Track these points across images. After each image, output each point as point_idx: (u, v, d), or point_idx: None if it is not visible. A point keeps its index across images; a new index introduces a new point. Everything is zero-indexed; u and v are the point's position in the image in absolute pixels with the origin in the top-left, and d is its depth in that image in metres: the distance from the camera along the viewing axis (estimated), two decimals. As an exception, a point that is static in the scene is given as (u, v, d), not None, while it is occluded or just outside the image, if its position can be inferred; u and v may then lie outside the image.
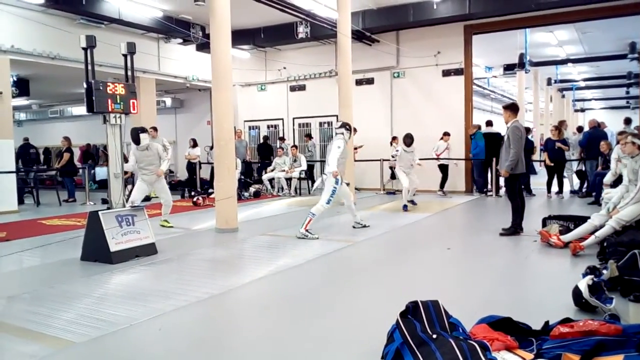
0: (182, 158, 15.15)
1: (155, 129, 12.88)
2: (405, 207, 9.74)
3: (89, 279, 5.19)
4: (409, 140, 9.80)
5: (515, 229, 6.95)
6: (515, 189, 7.03)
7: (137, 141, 7.74)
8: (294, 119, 15.85)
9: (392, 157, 10.12)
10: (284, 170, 13.49)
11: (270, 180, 13.81)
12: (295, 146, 14.05)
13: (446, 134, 12.50)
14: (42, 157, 20.86)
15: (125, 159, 7.38)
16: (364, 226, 7.75)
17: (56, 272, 5.54)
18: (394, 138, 12.83)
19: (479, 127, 12.63)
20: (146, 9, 11.45)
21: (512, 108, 7.16)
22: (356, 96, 12.18)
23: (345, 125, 7.46)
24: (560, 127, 12.03)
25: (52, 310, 4.13)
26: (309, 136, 14.81)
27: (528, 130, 12.33)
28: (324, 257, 6.04)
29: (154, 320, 3.86)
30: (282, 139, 14.88)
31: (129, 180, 11.88)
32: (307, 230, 6.99)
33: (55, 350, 3.37)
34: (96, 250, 5.87)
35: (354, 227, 7.75)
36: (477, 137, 12.24)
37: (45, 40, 11.02)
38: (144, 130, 7.95)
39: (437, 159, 12.35)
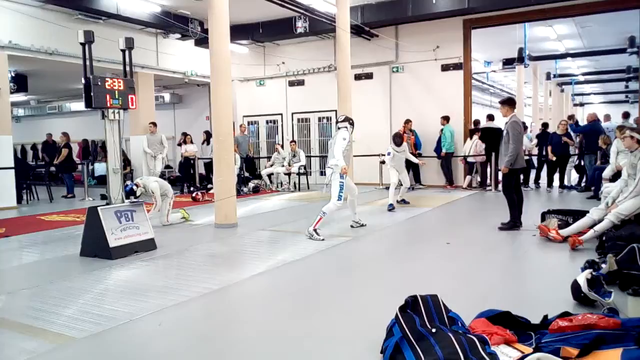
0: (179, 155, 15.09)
1: (154, 124, 12.89)
2: (390, 206, 9.19)
3: (89, 274, 5.19)
4: (398, 139, 9.57)
5: (514, 223, 6.95)
6: (511, 183, 6.98)
7: None
8: (292, 114, 15.83)
9: (382, 162, 9.94)
10: (283, 166, 13.49)
11: (270, 176, 13.81)
12: (294, 141, 14.03)
13: (473, 131, 12.56)
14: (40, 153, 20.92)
15: (124, 155, 7.45)
16: (362, 225, 7.60)
17: (56, 268, 5.54)
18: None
19: (448, 120, 12.70)
20: (144, 4, 11.42)
21: (509, 103, 7.07)
22: (355, 91, 12.17)
23: (349, 120, 7.23)
24: (569, 121, 12.15)
25: (52, 306, 4.14)
26: (294, 142, 14.36)
27: (525, 126, 12.42)
28: (323, 252, 6.05)
29: (154, 316, 3.87)
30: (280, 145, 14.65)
31: (128, 175, 11.89)
32: (315, 230, 6.74)
33: (56, 345, 3.38)
34: (95, 245, 5.87)
35: (352, 226, 7.57)
36: (445, 131, 12.28)
37: (43, 35, 10.98)
38: None
39: (465, 157, 12.42)
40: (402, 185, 9.74)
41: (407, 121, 12.50)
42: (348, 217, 7.99)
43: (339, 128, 7.18)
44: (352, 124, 7.23)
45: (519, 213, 7.03)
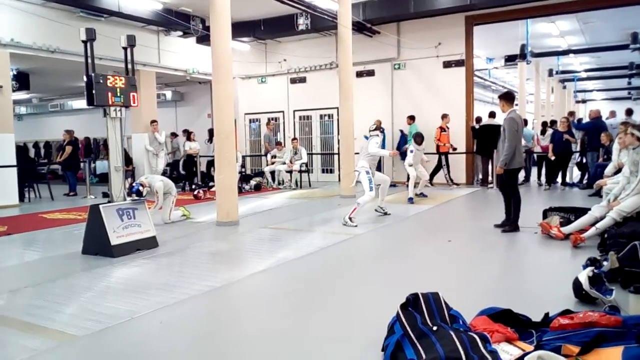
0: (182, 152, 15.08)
1: (156, 122, 12.82)
2: (411, 200, 9.87)
3: (90, 272, 5.20)
4: (419, 139, 10.24)
5: (516, 225, 6.67)
6: (513, 182, 6.78)
7: None
8: (294, 111, 15.81)
9: (407, 163, 10.28)
10: (284, 163, 13.49)
11: (272, 173, 13.82)
12: (295, 138, 14.02)
13: (553, 123, 12.73)
14: (42, 150, 20.97)
15: (127, 153, 7.48)
16: (386, 214, 8.32)
17: (57, 266, 5.55)
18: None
19: (414, 119, 12.84)
20: (146, 2, 11.41)
21: (506, 97, 6.89)
22: (357, 88, 12.16)
23: (380, 128, 8.20)
24: (569, 118, 12.13)
25: (54, 304, 4.15)
26: (295, 139, 14.31)
27: (526, 122, 12.41)
28: (325, 250, 6.05)
29: (156, 314, 3.88)
30: (279, 144, 14.58)
31: (128, 173, 11.89)
32: (350, 218, 7.44)
33: (58, 343, 3.39)
34: (97, 243, 5.89)
35: (376, 210, 8.36)
36: (412, 130, 12.38)
37: (45, 33, 10.98)
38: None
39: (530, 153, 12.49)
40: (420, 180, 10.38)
41: (444, 116, 12.65)
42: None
43: (371, 135, 8.06)
44: (382, 131, 8.38)
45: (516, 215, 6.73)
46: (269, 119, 15.41)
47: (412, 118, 12.91)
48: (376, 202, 8.33)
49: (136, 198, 6.68)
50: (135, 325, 3.68)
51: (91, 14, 11.46)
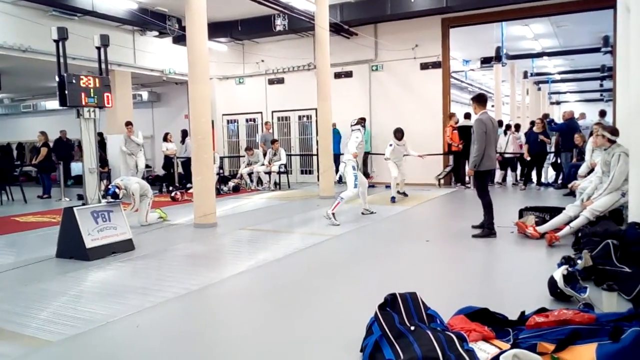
0: (160, 153, 14.89)
1: (130, 123, 12.53)
2: (393, 199, 9.93)
3: (65, 276, 5.10)
4: (399, 134, 10.11)
5: (490, 230, 6.41)
6: (484, 186, 6.62)
7: None
8: (272, 112, 15.76)
9: (386, 158, 10.15)
10: (263, 164, 13.42)
11: (250, 175, 13.74)
12: (275, 140, 13.96)
13: (509, 127, 12.74)
14: (15, 152, 20.47)
15: (102, 155, 7.37)
16: (372, 213, 8.37)
17: (31, 270, 5.42)
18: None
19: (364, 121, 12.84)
20: (121, 1, 11.24)
21: (478, 99, 6.63)
22: (335, 89, 12.17)
23: (361, 122, 8.20)
24: (544, 120, 12.32)
25: (27, 309, 4.06)
26: (275, 141, 14.01)
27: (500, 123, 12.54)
28: (304, 251, 6.04)
29: (132, 317, 3.82)
30: (249, 149, 14.42)
31: (104, 175, 11.70)
32: (333, 214, 7.44)
33: (31, 349, 3.31)
34: (72, 247, 5.78)
35: (362, 213, 8.35)
36: (334, 133, 12.44)
37: (17, 32, 10.73)
38: None
39: (502, 154, 12.41)
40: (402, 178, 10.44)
41: (452, 115, 12.75)
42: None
43: (352, 130, 8.08)
44: (364, 125, 8.39)
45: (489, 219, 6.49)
46: (267, 121, 15.24)
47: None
48: (358, 203, 8.40)
49: (112, 200, 6.58)
50: (111, 330, 3.62)
51: (64, 12, 11.24)
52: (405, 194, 10.60)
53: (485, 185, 6.68)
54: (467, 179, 12.45)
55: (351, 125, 8.24)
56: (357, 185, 7.77)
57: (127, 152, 12.52)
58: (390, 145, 10.16)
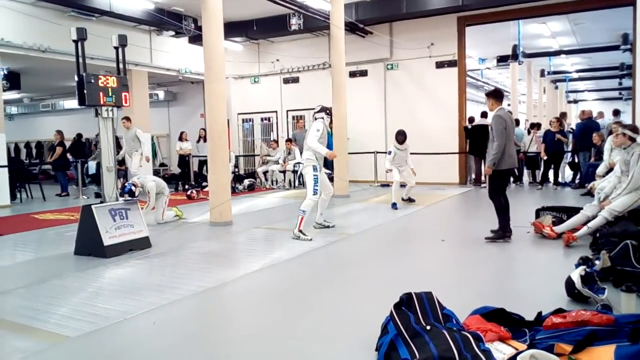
0: (175, 152, 15.00)
1: (127, 119, 12.36)
2: (394, 206, 8.96)
3: (83, 273, 5.17)
4: (401, 137, 9.19)
5: (504, 232, 6.13)
6: (498, 187, 6.22)
7: None
8: (287, 111, 15.79)
9: (388, 168, 9.32)
10: (278, 163, 13.47)
11: (264, 173, 13.80)
12: (290, 139, 13.99)
13: (533, 126, 12.77)
14: (34, 151, 20.81)
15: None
16: (328, 227, 7.23)
17: (49, 267, 5.51)
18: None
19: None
20: (137, 1, 11.36)
21: (494, 95, 6.31)
22: (350, 88, 12.16)
23: (326, 110, 7.01)
24: (561, 119, 12.21)
25: (46, 305, 4.12)
26: (290, 141, 14.09)
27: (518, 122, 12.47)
28: (318, 250, 6.04)
29: (149, 314, 3.86)
30: (275, 142, 14.47)
31: (120, 173, 11.79)
32: (300, 231, 6.49)
33: (50, 344, 3.36)
34: (90, 244, 5.85)
35: (314, 227, 7.18)
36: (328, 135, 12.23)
37: (36, 33, 10.90)
38: None
39: (525, 153, 12.44)
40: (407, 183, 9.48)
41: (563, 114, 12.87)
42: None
43: (315, 119, 6.96)
44: (329, 114, 7.02)
45: (508, 220, 6.19)
46: (298, 118, 15.18)
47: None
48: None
49: (129, 198, 6.65)
50: (128, 326, 3.66)
51: (82, 13, 11.39)
52: (411, 200, 9.66)
53: (499, 187, 6.24)
54: (482, 178, 12.37)
55: (314, 114, 7.09)
56: (317, 192, 6.62)
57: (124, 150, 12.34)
58: (389, 152, 9.23)
